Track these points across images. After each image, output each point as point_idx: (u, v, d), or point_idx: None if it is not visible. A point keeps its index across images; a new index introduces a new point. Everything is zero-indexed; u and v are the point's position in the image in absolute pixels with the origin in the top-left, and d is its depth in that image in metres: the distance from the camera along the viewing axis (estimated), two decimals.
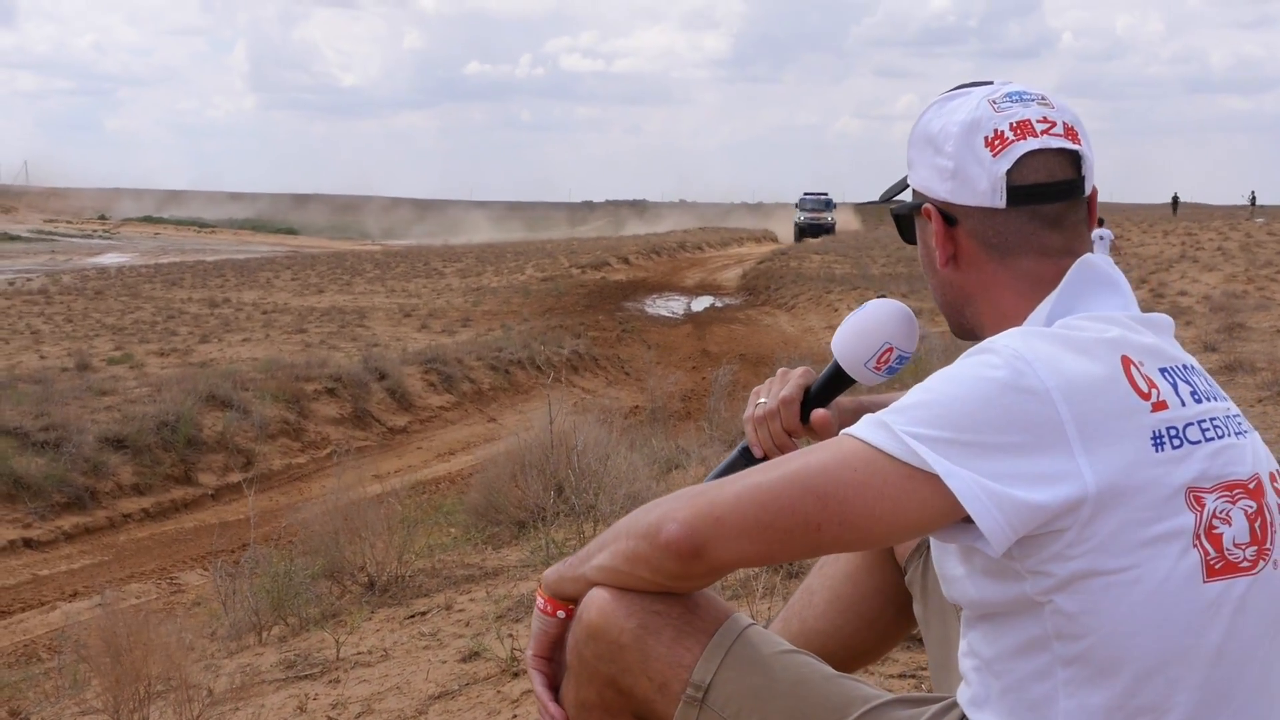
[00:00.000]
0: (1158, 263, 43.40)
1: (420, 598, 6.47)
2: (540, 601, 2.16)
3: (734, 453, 2.46)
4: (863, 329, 2.33)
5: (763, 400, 2.44)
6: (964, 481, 1.75)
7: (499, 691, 4.55)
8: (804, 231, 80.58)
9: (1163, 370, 1.89)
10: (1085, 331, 1.87)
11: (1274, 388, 11.38)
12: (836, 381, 2.39)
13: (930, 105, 2.07)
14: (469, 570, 6.99)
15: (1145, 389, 1.84)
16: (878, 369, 2.33)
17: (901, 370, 2.35)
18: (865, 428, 1.83)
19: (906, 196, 2.14)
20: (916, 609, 2.52)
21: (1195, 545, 1.81)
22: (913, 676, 3.87)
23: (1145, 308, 2.01)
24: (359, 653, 5.54)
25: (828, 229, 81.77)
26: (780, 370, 2.50)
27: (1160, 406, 1.84)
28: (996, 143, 1.98)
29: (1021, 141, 1.97)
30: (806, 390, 2.42)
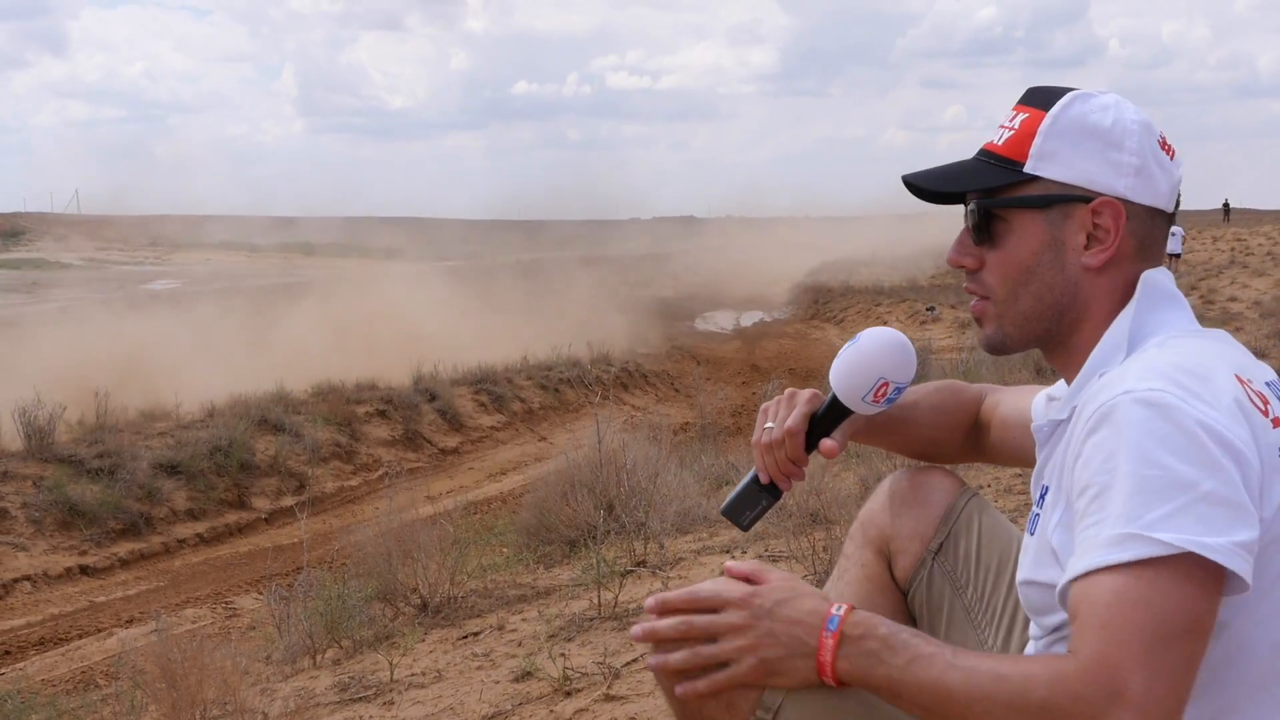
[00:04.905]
0: (1207, 269, 43.17)
1: (473, 618, 6.48)
2: (828, 676, 1.91)
3: (746, 480, 2.47)
4: (856, 364, 2.33)
5: (769, 425, 2.42)
6: (1226, 550, 1.69)
7: (552, 711, 4.55)
8: None
9: (1267, 384, 1.89)
10: (1193, 355, 1.85)
11: None
12: (837, 412, 2.39)
13: (1070, 99, 2.00)
14: (521, 590, 6.99)
15: (1262, 405, 1.82)
16: (875, 401, 2.33)
17: (900, 398, 2.38)
18: (1131, 548, 1.70)
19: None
20: (924, 623, 2.50)
21: None
22: None
23: (1196, 314, 2.01)
24: (413, 674, 5.55)
25: None
26: (788, 391, 2.47)
27: (1277, 422, 1.83)
28: (1167, 148, 2.01)
29: (1177, 153, 2.03)
30: (811, 417, 2.40)
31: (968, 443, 2.60)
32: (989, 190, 2.02)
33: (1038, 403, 2.37)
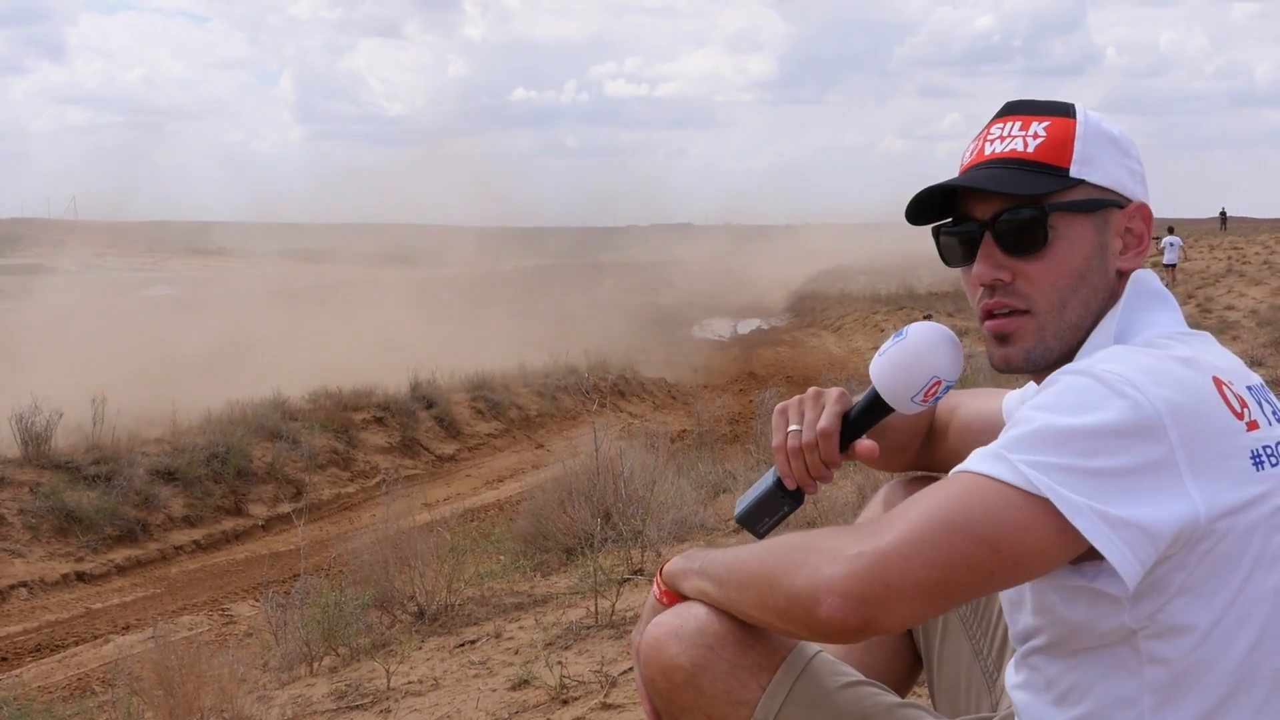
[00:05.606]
0: (1204, 277, 43.17)
1: (470, 626, 6.48)
2: (656, 589, 2.13)
3: (766, 483, 2.29)
4: (908, 362, 2.14)
5: (795, 428, 2.25)
6: (1077, 506, 1.71)
7: (548, 719, 4.55)
8: None
9: (1249, 389, 1.87)
10: (1172, 352, 1.84)
11: None
12: (877, 410, 2.21)
13: (1081, 107, 2.02)
14: (518, 598, 7.00)
15: (1238, 408, 1.81)
16: (924, 401, 2.16)
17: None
18: (988, 463, 1.77)
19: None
20: (918, 634, 2.47)
21: None
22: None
23: (1192, 323, 1.99)
24: (409, 682, 5.55)
25: None
26: (813, 390, 2.30)
27: (1253, 426, 1.82)
28: None
29: None
30: (844, 417, 2.23)
31: (923, 449, 2.50)
32: (1035, 196, 1.95)
33: (1011, 405, 2.33)
